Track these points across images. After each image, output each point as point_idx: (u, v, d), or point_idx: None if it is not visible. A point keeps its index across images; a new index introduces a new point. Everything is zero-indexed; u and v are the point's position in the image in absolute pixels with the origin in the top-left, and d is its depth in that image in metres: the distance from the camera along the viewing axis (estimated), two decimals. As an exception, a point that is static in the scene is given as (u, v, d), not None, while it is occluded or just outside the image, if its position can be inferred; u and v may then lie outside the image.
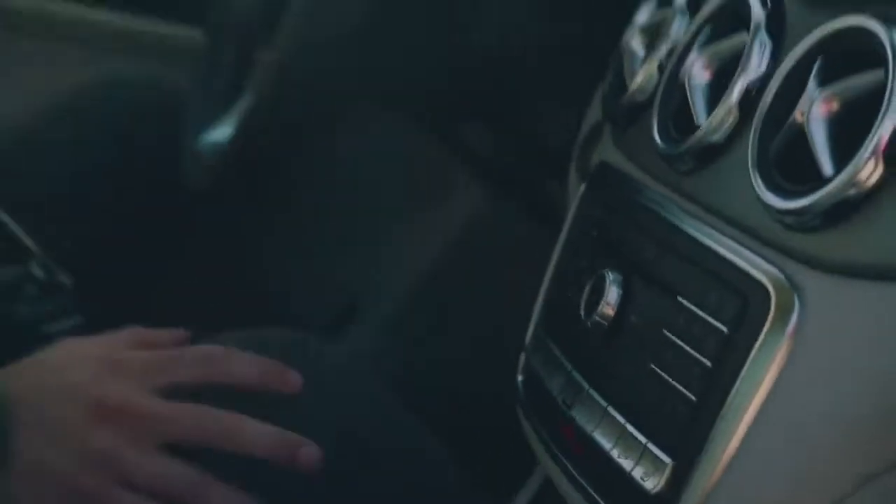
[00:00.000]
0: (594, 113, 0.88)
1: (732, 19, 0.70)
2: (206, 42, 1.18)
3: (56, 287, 0.98)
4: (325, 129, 1.10)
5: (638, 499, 0.64)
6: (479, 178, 1.19)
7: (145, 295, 1.16)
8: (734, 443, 0.60)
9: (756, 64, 0.66)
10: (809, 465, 0.59)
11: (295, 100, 0.93)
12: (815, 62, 0.62)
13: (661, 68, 0.77)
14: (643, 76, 0.77)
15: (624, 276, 0.70)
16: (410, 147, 1.25)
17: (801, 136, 0.61)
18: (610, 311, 0.70)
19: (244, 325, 0.85)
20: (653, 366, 0.65)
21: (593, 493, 0.69)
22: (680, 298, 0.65)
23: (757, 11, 0.68)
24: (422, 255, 1.19)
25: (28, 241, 0.99)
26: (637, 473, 0.65)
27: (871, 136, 0.57)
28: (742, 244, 0.64)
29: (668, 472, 0.63)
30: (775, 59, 0.66)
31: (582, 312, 0.72)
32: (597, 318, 0.70)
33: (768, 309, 0.60)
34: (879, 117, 0.57)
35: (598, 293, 0.71)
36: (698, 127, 0.68)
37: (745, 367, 0.60)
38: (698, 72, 0.71)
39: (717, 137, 0.67)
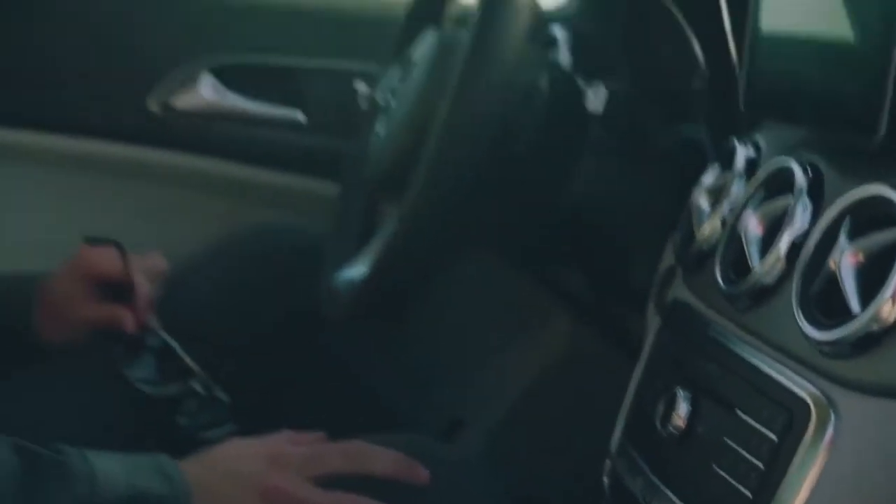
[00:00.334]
0: (668, 258, 0.94)
1: (781, 184, 0.80)
2: (340, 193, 1.26)
3: (214, 401, 1.07)
4: (444, 270, 1.15)
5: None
6: (570, 312, 1.24)
7: (284, 406, 1.24)
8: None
9: (799, 221, 0.76)
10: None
11: (421, 247, 0.98)
12: (844, 221, 0.72)
13: (723, 223, 0.84)
14: (709, 229, 0.85)
15: (692, 394, 0.80)
16: (505, 284, 1.31)
17: (834, 281, 0.70)
18: (681, 423, 0.79)
19: (363, 434, 0.91)
20: (716, 468, 0.75)
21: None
22: (738, 412, 0.75)
23: (800, 178, 0.77)
24: (520, 378, 1.24)
25: (191, 363, 1.08)
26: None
27: (889, 281, 0.67)
28: (789, 367, 0.73)
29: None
30: (815, 217, 0.75)
31: (658, 424, 0.81)
32: (670, 428, 0.80)
33: (809, 421, 0.69)
34: (895, 267, 0.67)
35: (671, 408, 0.80)
36: (753, 271, 0.77)
37: (791, 470, 0.69)
38: (753, 226, 0.80)
39: (768, 280, 0.76)
